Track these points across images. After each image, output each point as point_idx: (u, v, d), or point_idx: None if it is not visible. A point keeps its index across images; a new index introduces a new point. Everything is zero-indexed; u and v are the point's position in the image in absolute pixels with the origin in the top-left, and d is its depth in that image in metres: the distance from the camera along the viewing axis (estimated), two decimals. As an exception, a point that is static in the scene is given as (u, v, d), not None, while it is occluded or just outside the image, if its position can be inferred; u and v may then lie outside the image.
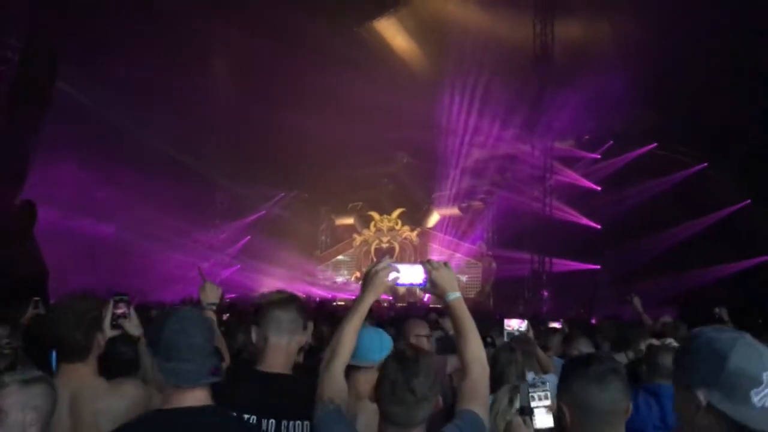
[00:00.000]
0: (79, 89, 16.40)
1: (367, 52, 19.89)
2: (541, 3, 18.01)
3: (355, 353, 2.48)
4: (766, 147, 14.32)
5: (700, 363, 1.76)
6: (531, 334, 4.80)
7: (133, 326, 3.01)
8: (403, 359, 2.18)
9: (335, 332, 2.45)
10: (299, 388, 2.40)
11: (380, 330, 3.11)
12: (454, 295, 2.44)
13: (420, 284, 2.47)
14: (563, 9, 17.66)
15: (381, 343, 2.90)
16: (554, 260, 18.22)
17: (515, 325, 4.83)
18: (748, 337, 1.79)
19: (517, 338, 4.37)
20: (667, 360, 3.50)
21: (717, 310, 5.88)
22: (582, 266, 18.20)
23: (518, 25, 18.15)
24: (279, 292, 2.78)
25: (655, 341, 4.04)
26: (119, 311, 2.95)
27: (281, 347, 2.62)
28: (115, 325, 2.93)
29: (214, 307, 3.42)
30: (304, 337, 2.71)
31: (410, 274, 2.48)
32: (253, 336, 2.68)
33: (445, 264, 2.49)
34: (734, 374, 1.70)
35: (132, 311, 3.02)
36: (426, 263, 2.47)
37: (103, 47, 15.87)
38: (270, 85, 19.02)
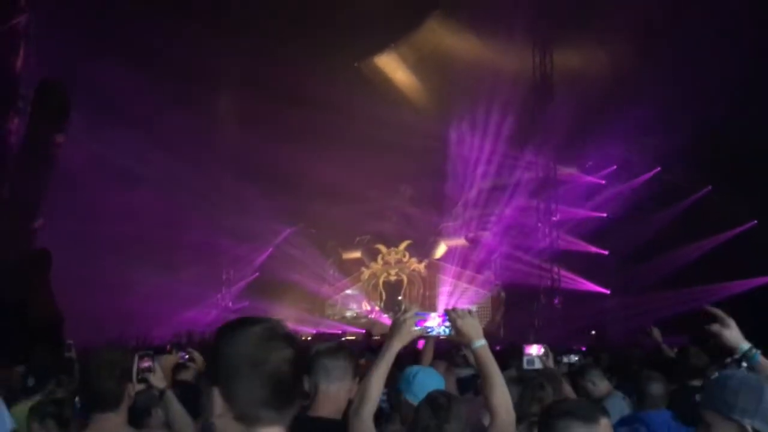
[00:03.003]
0: (89, 124, 16.65)
1: (369, 87, 20.17)
2: (539, 34, 18.32)
3: (419, 395, 2.58)
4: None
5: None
6: (550, 359, 4.78)
7: (158, 379, 3.12)
8: (436, 405, 2.28)
9: (363, 379, 2.53)
10: None
11: (435, 372, 3.27)
12: (480, 343, 2.50)
13: (444, 332, 2.55)
14: (561, 40, 17.94)
15: (437, 384, 3.08)
16: (563, 273, 18.37)
17: (534, 351, 4.81)
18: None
19: (545, 373, 4.32)
20: (657, 389, 3.56)
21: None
22: (592, 287, 18.24)
23: (518, 57, 18.43)
24: (329, 340, 2.93)
25: None
26: (144, 365, 3.05)
27: (330, 394, 2.73)
28: (141, 380, 3.03)
29: None
30: (355, 384, 2.80)
31: (433, 321, 2.57)
32: (305, 384, 2.79)
33: (470, 312, 2.56)
34: (741, 408, 2.14)
35: (156, 365, 3.12)
36: (451, 312, 2.54)
37: (108, 83, 16.18)
38: (273, 120, 19.25)
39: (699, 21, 14.62)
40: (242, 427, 1.36)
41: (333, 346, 2.88)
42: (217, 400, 1.36)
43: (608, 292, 18.02)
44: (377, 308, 22.57)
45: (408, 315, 2.53)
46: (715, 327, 2.35)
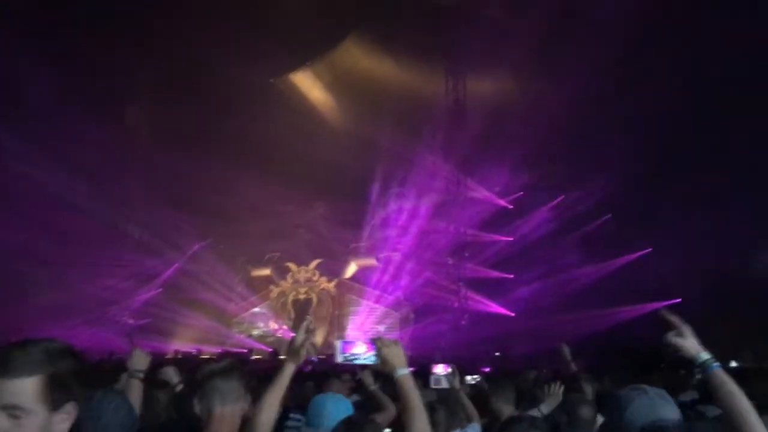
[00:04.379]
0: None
1: (283, 103, 20.08)
2: (452, 61, 18.81)
3: (322, 422, 2.54)
4: (665, 200, 15.23)
5: (611, 416, 2.32)
6: (456, 379, 4.81)
7: None
8: (350, 423, 2.30)
9: (257, 402, 2.48)
10: None
11: (345, 399, 3.21)
12: (403, 371, 2.51)
13: (371, 361, 2.57)
14: (474, 67, 18.46)
15: (346, 411, 3.05)
16: (470, 295, 18.90)
17: (440, 370, 4.86)
18: (650, 392, 2.32)
19: (441, 395, 4.40)
20: (587, 412, 3.68)
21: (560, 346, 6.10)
22: (498, 309, 18.71)
23: (432, 82, 18.84)
24: (220, 359, 2.82)
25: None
26: None
27: (225, 417, 2.62)
28: None
29: (142, 375, 3.39)
30: (247, 405, 2.70)
31: (360, 349, 2.59)
32: (196, 408, 2.65)
33: (395, 342, 2.58)
34: (628, 424, 2.21)
35: None
36: (378, 340, 2.56)
37: (12, 89, 15.45)
38: (184, 133, 18.82)
39: (599, 53, 15.29)
40: None
41: (226, 366, 2.75)
42: None
43: (513, 314, 18.52)
44: (285, 327, 22.29)
45: (300, 336, 2.56)
46: (670, 336, 2.24)
